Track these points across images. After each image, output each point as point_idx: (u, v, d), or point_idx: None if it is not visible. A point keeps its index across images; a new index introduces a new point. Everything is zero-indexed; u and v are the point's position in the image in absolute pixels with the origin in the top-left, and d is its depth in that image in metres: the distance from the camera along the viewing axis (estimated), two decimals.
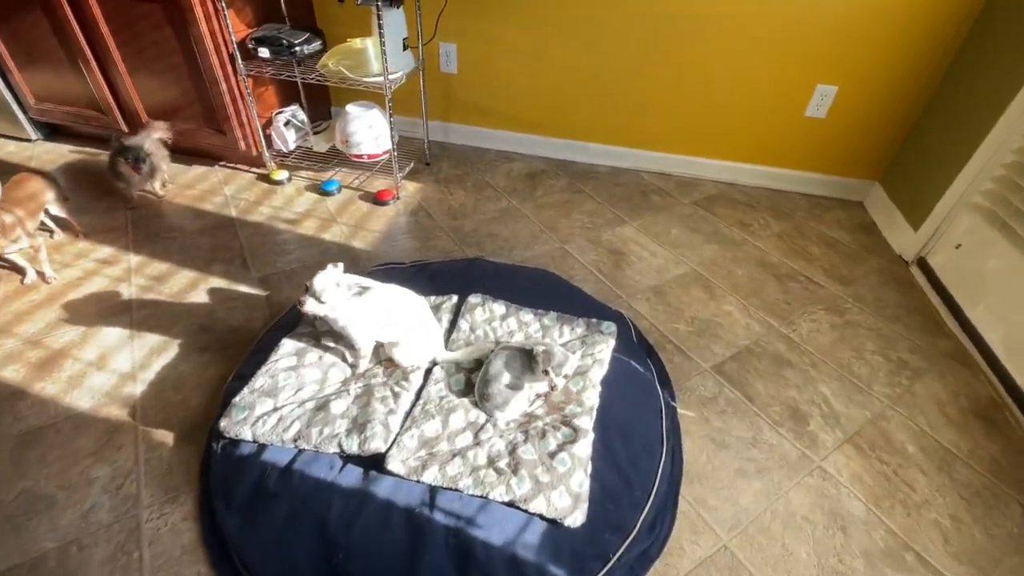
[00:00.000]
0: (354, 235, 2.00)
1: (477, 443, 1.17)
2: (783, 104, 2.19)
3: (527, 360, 1.24)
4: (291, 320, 1.50)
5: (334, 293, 1.19)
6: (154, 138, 2.00)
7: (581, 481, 1.11)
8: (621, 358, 1.41)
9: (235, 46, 1.94)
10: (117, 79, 2.11)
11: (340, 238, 1.98)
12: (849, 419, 1.43)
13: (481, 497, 1.08)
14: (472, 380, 1.31)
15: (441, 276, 1.70)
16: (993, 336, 1.60)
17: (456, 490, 1.09)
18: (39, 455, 1.24)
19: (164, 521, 1.13)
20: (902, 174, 2.16)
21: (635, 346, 1.51)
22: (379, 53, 1.87)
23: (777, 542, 1.17)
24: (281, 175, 2.23)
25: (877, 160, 2.26)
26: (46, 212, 1.77)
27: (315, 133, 2.43)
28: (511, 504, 1.07)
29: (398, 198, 2.20)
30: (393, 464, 1.11)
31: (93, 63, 2.08)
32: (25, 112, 2.35)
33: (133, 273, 1.77)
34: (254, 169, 2.32)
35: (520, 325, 1.48)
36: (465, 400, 1.27)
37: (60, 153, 2.38)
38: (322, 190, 2.19)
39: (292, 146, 2.33)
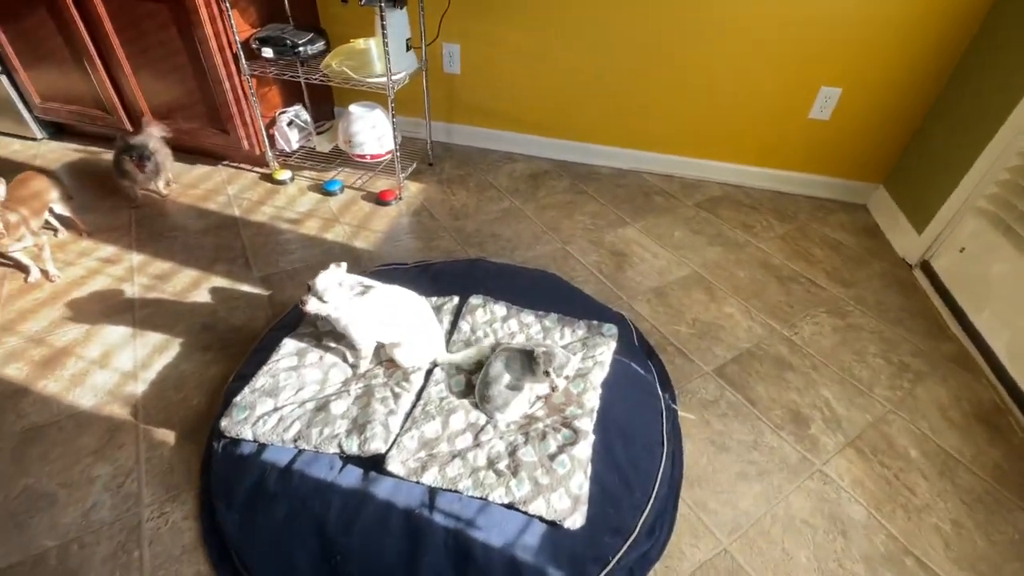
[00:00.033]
0: (356, 235, 2.00)
1: (477, 444, 1.17)
2: (787, 106, 2.18)
3: (528, 362, 1.24)
4: (293, 320, 1.50)
5: (336, 292, 1.19)
6: (158, 137, 2.00)
7: (581, 483, 1.10)
8: (622, 360, 1.41)
9: (239, 46, 1.95)
10: (122, 78, 2.12)
11: (342, 238, 1.98)
12: (850, 423, 1.43)
13: (481, 499, 1.08)
14: (473, 381, 1.31)
15: (443, 277, 1.70)
16: (997, 340, 1.59)
17: (456, 491, 1.09)
18: (41, 453, 1.24)
19: (164, 520, 1.14)
20: (906, 177, 2.15)
21: (636, 348, 1.51)
22: (382, 54, 1.88)
23: (777, 546, 1.16)
24: (284, 175, 2.24)
25: (881, 163, 2.25)
26: (50, 211, 1.78)
27: (318, 133, 2.44)
28: (510, 506, 1.07)
29: (401, 198, 2.20)
30: (393, 465, 1.11)
31: (98, 62, 2.09)
32: (30, 111, 2.36)
33: (136, 272, 1.77)
34: (257, 169, 2.33)
35: (521, 326, 1.48)
36: (465, 401, 1.27)
37: (64, 152, 2.39)
38: (325, 190, 2.19)
39: (295, 146, 2.33)
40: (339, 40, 2.11)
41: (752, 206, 2.31)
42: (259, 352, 1.40)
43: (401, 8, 1.90)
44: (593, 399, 1.28)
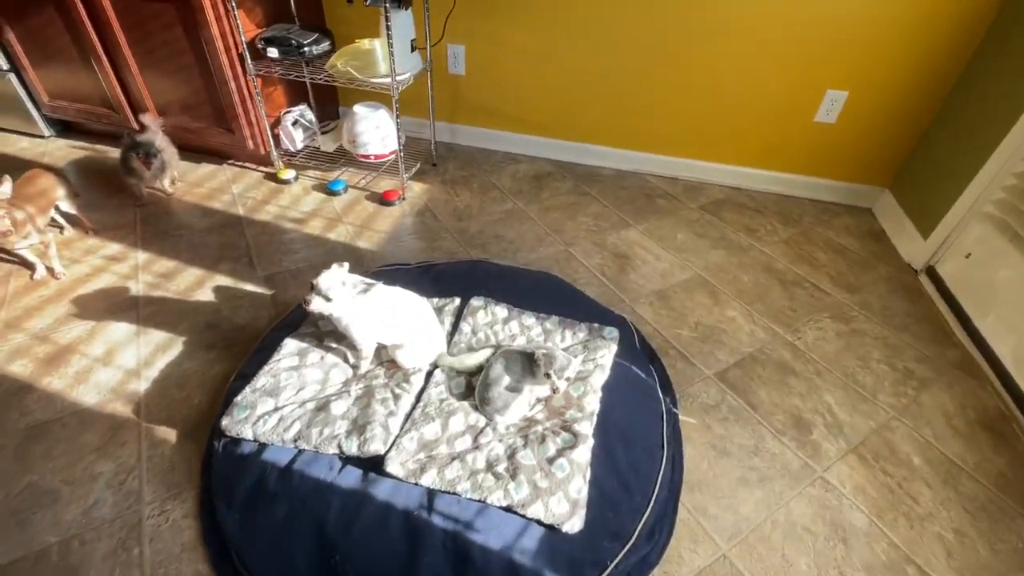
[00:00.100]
0: (360, 235, 2.01)
1: (476, 447, 1.17)
2: (792, 109, 2.17)
3: (528, 364, 1.24)
4: (295, 319, 1.51)
5: (340, 291, 1.19)
6: (163, 135, 2.02)
7: (580, 487, 1.10)
8: (623, 363, 1.41)
9: (245, 46, 1.96)
10: (128, 77, 2.14)
11: (346, 238, 1.99)
12: (853, 429, 1.42)
13: (479, 501, 1.08)
14: (473, 383, 1.31)
15: (445, 278, 1.70)
16: (1002, 347, 1.58)
17: (454, 494, 1.09)
18: (45, 450, 1.25)
19: (165, 518, 1.14)
20: (912, 181, 2.13)
21: (637, 351, 1.50)
22: (387, 54, 1.88)
23: (777, 552, 1.16)
24: (288, 174, 2.25)
25: (887, 166, 2.23)
26: (56, 208, 1.79)
27: (323, 133, 2.44)
28: (509, 509, 1.07)
29: (404, 199, 2.21)
30: (392, 466, 1.11)
31: (105, 61, 2.10)
32: (39, 109, 2.38)
33: (141, 270, 1.78)
34: (262, 168, 2.34)
35: (522, 329, 1.48)
36: (465, 403, 1.27)
37: (72, 150, 2.41)
38: (329, 190, 2.20)
39: (300, 146, 2.34)
40: (344, 40, 2.11)
41: (756, 209, 2.30)
42: (261, 352, 1.41)
43: (406, 9, 1.91)
44: (593, 402, 1.27)
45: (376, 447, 1.14)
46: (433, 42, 2.23)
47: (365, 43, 2.03)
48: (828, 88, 2.09)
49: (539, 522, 1.06)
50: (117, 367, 1.45)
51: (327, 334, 1.41)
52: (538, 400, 1.28)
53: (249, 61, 2.00)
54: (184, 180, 2.24)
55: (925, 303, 1.86)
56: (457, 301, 1.56)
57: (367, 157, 2.23)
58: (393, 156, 2.25)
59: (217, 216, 2.06)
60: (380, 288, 1.29)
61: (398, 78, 1.93)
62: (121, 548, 1.09)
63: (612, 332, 1.46)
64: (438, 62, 2.38)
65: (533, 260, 1.93)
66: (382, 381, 1.31)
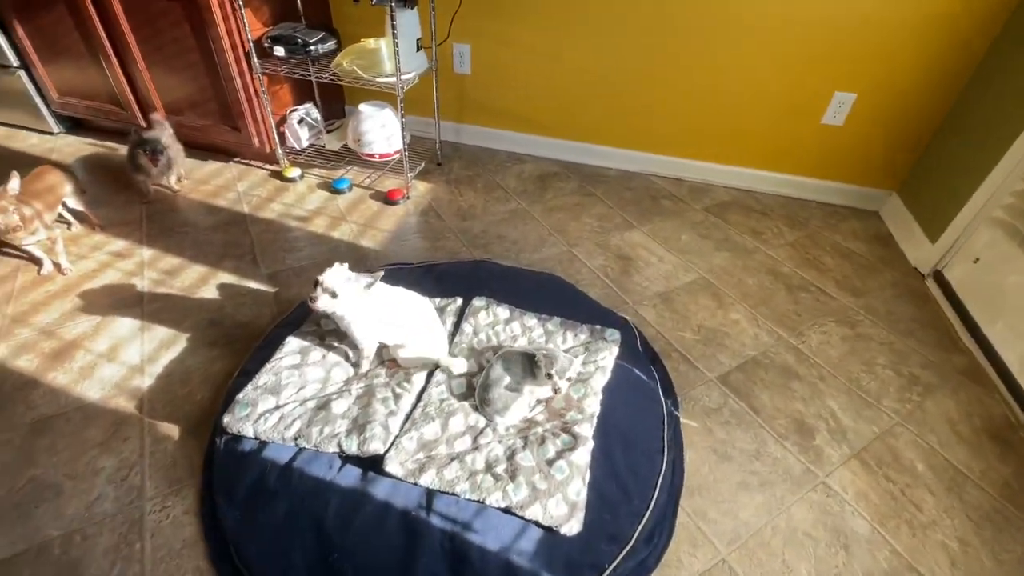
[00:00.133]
0: (363, 234, 2.01)
1: (476, 447, 1.17)
2: (800, 111, 2.15)
3: (529, 365, 1.24)
4: (297, 317, 1.51)
5: (345, 287, 1.20)
6: (170, 132, 2.03)
7: (579, 490, 1.10)
8: (624, 365, 1.40)
9: (251, 44, 1.97)
10: (136, 75, 2.15)
11: (349, 236, 1.99)
12: (857, 434, 1.41)
13: (477, 502, 1.08)
14: (473, 384, 1.31)
15: (448, 277, 1.70)
16: (1010, 354, 1.56)
17: (453, 494, 1.09)
18: (49, 444, 1.26)
19: (166, 514, 1.15)
20: (921, 185, 2.11)
21: (639, 353, 1.50)
22: (392, 53, 1.88)
23: (777, 558, 1.15)
24: (293, 172, 2.26)
25: (895, 170, 2.21)
26: (64, 205, 1.81)
27: (328, 131, 2.45)
28: (507, 510, 1.07)
29: (408, 198, 2.21)
30: (391, 466, 1.12)
31: (113, 59, 2.12)
32: (48, 105, 2.41)
33: (146, 266, 1.80)
34: (267, 166, 2.35)
35: (524, 330, 1.48)
36: (466, 404, 1.27)
37: (80, 146, 2.43)
38: (333, 188, 2.21)
39: (305, 144, 2.35)
40: (350, 39, 2.12)
41: (762, 211, 2.29)
42: (263, 349, 1.42)
43: (412, 8, 1.91)
44: (594, 404, 1.27)
45: (376, 446, 1.14)
46: (439, 41, 2.23)
47: (371, 42, 2.04)
48: (836, 90, 2.07)
49: (537, 524, 1.06)
50: (121, 363, 1.46)
51: (329, 333, 1.41)
52: (538, 401, 1.28)
53: (255, 59, 2.00)
54: (190, 177, 2.26)
55: (932, 308, 1.84)
56: (459, 301, 1.56)
57: (372, 156, 2.24)
58: (398, 155, 2.25)
59: (222, 213, 2.07)
60: (382, 286, 1.29)
61: (403, 77, 1.93)
62: (122, 543, 1.10)
63: (614, 334, 1.46)
64: (444, 61, 2.38)
65: (536, 261, 1.92)
66: (383, 380, 1.31)
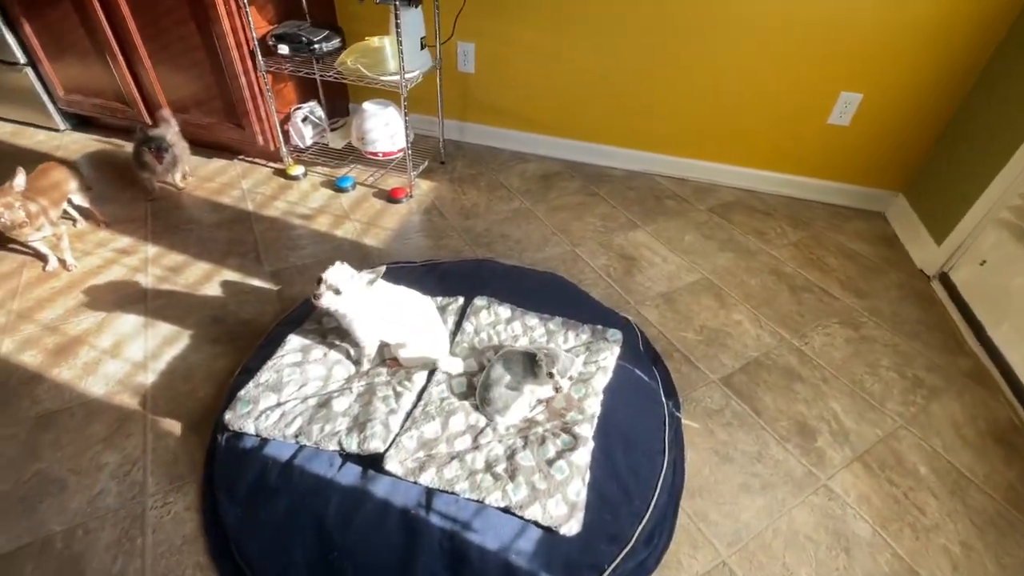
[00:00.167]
0: (366, 232, 2.01)
1: (476, 447, 1.17)
2: (805, 111, 2.14)
3: (530, 364, 1.24)
4: (300, 315, 1.52)
5: (349, 284, 1.20)
6: (175, 130, 2.04)
7: (578, 490, 1.10)
8: (626, 366, 1.40)
9: (256, 42, 1.97)
10: (142, 73, 2.16)
11: (352, 235, 2.00)
12: (859, 437, 1.40)
13: (477, 501, 1.08)
14: (474, 383, 1.31)
15: (450, 276, 1.70)
16: (1016, 357, 1.54)
17: (452, 493, 1.09)
18: (53, 439, 1.27)
19: (168, 510, 1.16)
20: (927, 186, 2.09)
21: (641, 354, 1.49)
22: (396, 52, 1.88)
23: (778, 561, 1.15)
24: (297, 170, 2.26)
25: (901, 170, 2.19)
26: (69, 201, 1.82)
27: (332, 129, 2.46)
28: (507, 510, 1.07)
29: (411, 196, 2.21)
30: (391, 464, 1.12)
31: (119, 57, 2.13)
32: (54, 103, 2.42)
33: (150, 263, 1.81)
34: (271, 164, 2.35)
35: (525, 329, 1.48)
36: (466, 403, 1.27)
37: (86, 143, 2.44)
38: (337, 186, 2.21)
39: (309, 142, 2.35)
40: (355, 38, 2.12)
41: (766, 212, 2.27)
42: (265, 347, 1.42)
43: (416, 7, 1.90)
44: (594, 405, 1.27)
45: (376, 445, 1.14)
46: (443, 40, 2.23)
47: (375, 40, 2.04)
48: (842, 90, 2.05)
49: (537, 524, 1.06)
50: (125, 359, 1.47)
51: (331, 331, 1.41)
52: (539, 401, 1.28)
53: (260, 57, 2.01)
54: (195, 175, 2.27)
55: (937, 310, 1.83)
56: (461, 300, 1.56)
57: (375, 154, 2.24)
58: (401, 154, 2.25)
59: (226, 211, 2.08)
60: (384, 284, 1.29)
61: (407, 76, 1.93)
62: (124, 538, 1.11)
63: (615, 334, 1.45)
64: (448, 60, 2.37)
65: (539, 260, 1.92)
66: (384, 379, 1.32)
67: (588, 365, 1.36)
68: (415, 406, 1.26)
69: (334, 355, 1.36)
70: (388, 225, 2.06)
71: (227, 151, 2.40)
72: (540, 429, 1.22)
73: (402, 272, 1.67)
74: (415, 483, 1.11)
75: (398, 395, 1.26)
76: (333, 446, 1.16)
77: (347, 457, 1.16)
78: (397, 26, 1.80)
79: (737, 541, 1.17)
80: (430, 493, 1.10)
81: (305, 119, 2.31)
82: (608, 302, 1.72)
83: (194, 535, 1.12)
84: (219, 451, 1.19)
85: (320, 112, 2.37)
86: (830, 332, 1.70)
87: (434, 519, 1.06)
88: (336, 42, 2.07)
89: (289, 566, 1.03)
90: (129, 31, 2.04)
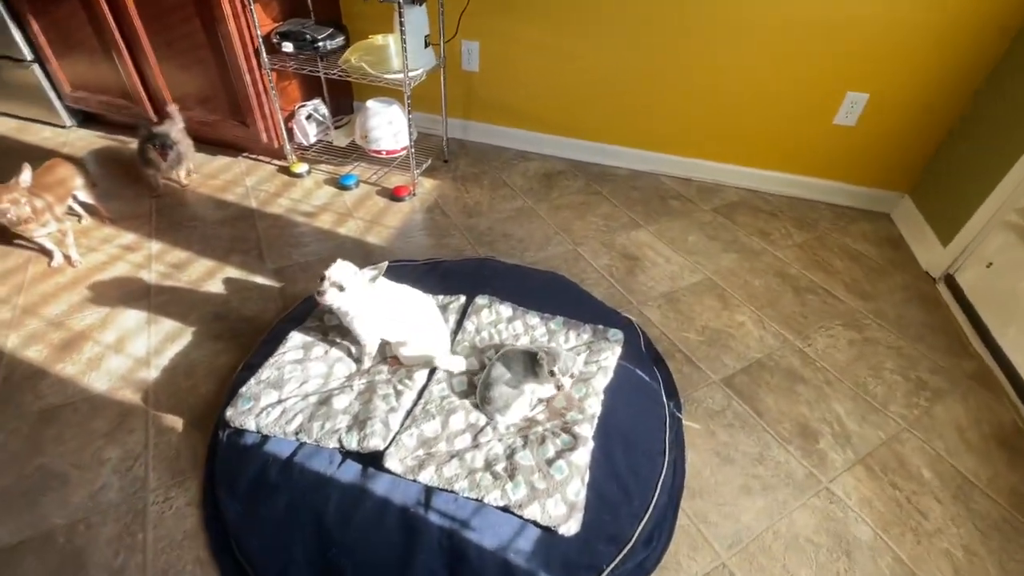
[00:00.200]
0: (369, 230, 2.02)
1: (476, 446, 1.17)
2: (811, 111, 2.13)
3: (530, 363, 1.23)
4: (302, 313, 1.52)
5: (353, 281, 1.20)
6: (179, 127, 2.04)
7: (578, 490, 1.10)
8: (627, 366, 1.39)
9: (260, 40, 1.97)
10: (147, 70, 2.17)
11: (355, 233, 2.00)
12: (862, 439, 1.39)
13: (476, 500, 1.08)
14: (475, 382, 1.31)
15: (452, 275, 1.70)
16: (1021, 359, 1.53)
17: (452, 492, 1.09)
18: (56, 433, 1.28)
19: (169, 505, 1.16)
20: (934, 187, 2.07)
21: (643, 354, 1.49)
22: (400, 50, 1.88)
23: (778, 563, 1.14)
24: (301, 168, 2.26)
25: (908, 171, 2.18)
26: (74, 198, 1.83)
27: (336, 127, 2.46)
28: (505, 509, 1.07)
29: (414, 195, 2.21)
30: (391, 462, 1.12)
31: (126, 54, 2.14)
32: (61, 99, 2.43)
33: (154, 260, 1.81)
34: (275, 161, 2.36)
35: (526, 328, 1.47)
36: (466, 402, 1.27)
37: (92, 140, 2.45)
38: (340, 184, 2.21)
39: (313, 140, 2.36)
40: (359, 36, 2.12)
41: (771, 212, 2.26)
42: (267, 344, 1.43)
43: (420, 4, 1.90)
44: (595, 405, 1.26)
45: (376, 443, 1.14)
46: (447, 38, 2.23)
47: (379, 38, 2.04)
48: (848, 90, 2.04)
49: (535, 523, 1.06)
50: (128, 355, 1.48)
51: (332, 328, 1.42)
52: (539, 400, 1.27)
53: (264, 55, 2.01)
54: (200, 172, 2.27)
55: (942, 313, 1.81)
56: (462, 299, 1.56)
57: (379, 152, 2.24)
58: (405, 152, 2.25)
59: (230, 208, 2.08)
60: (386, 282, 1.29)
61: (411, 74, 1.93)
62: (125, 533, 1.11)
63: (616, 334, 1.45)
64: (452, 58, 2.37)
65: (541, 259, 1.92)
66: (385, 377, 1.32)
67: (589, 365, 1.36)
68: (415, 404, 1.26)
69: (335, 353, 1.36)
70: (391, 223, 2.06)
71: (231, 148, 2.41)
72: (540, 428, 1.21)
73: (404, 270, 1.67)
74: (414, 481, 1.11)
75: (399, 393, 1.26)
76: (333, 443, 1.16)
77: (347, 455, 1.16)
78: (401, 24, 1.80)
79: (737, 543, 1.17)
80: (429, 491, 1.10)
81: (309, 117, 2.31)
82: (610, 302, 1.72)
83: (195, 530, 1.12)
84: (220, 447, 1.20)
85: (324, 110, 2.37)
86: (834, 334, 1.69)
87: (433, 517, 1.06)
88: (340, 40, 2.07)
89: (289, 563, 1.03)
90: (135, 28, 2.05)
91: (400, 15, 1.77)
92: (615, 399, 1.31)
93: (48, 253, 1.76)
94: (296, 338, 1.38)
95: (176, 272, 1.77)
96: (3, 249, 1.81)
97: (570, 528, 1.05)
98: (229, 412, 1.21)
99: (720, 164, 2.38)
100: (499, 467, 1.12)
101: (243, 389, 1.24)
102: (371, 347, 1.32)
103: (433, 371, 1.34)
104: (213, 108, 2.21)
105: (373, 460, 1.14)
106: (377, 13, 2.23)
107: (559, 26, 2.19)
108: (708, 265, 1.94)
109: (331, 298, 1.18)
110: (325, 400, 1.23)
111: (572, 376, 1.23)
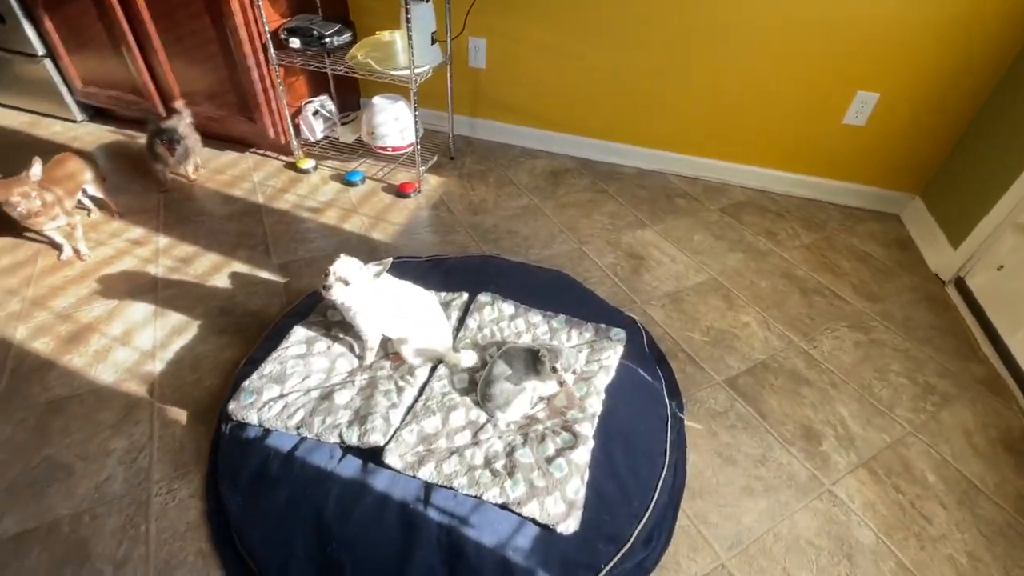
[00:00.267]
0: (374, 226, 2.02)
1: (475, 443, 1.18)
2: (821, 110, 2.10)
3: (532, 361, 1.23)
4: (305, 308, 1.53)
5: (358, 275, 1.21)
6: (187, 123, 2.06)
7: (577, 488, 1.09)
8: (629, 365, 1.39)
9: (268, 36, 1.98)
10: (157, 66, 2.19)
11: (360, 229, 2.00)
12: (866, 442, 1.38)
13: (475, 497, 1.08)
14: (476, 379, 1.31)
15: (456, 272, 1.70)
16: None
17: (451, 488, 1.09)
18: (63, 425, 1.30)
19: (172, 497, 1.17)
20: (944, 188, 2.05)
21: (645, 354, 1.48)
22: (406, 46, 1.88)
23: (778, 565, 1.13)
24: (308, 164, 2.27)
25: (918, 172, 2.15)
26: (84, 192, 1.85)
27: (343, 124, 2.47)
28: (504, 506, 1.07)
29: (420, 191, 2.21)
30: (391, 458, 1.12)
31: (135, 49, 2.15)
32: (72, 94, 2.46)
33: (161, 254, 1.83)
34: (282, 157, 2.37)
35: (528, 326, 1.47)
36: (467, 399, 1.27)
37: (102, 135, 2.48)
38: (346, 180, 2.22)
39: (319, 136, 2.36)
40: (367, 32, 2.12)
41: (778, 212, 2.24)
42: (271, 339, 1.43)
43: (427, 1, 1.90)
44: (596, 404, 1.26)
45: (376, 438, 1.15)
46: (454, 35, 2.22)
47: (385, 35, 2.04)
48: (858, 89, 2.01)
49: (534, 521, 1.06)
50: (134, 348, 1.50)
51: (335, 323, 1.42)
52: (540, 398, 1.27)
53: (272, 51, 2.02)
54: (207, 167, 2.29)
55: (951, 316, 1.79)
56: (465, 296, 1.56)
57: (385, 149, 2.24)
58: (411, 149, 2.25)
59: (237, 204, 2.10)
60: (389, 278, 1.30)
61: (417, 71, 1.93)
62: (129, 524, 1.13)
63: (619, 333, 1.45)
64: (459, 55, 2.37)
65: (545, 257, 1.91)
66: (387, 373, 1.32)
67: (590, 364, 1.36)
68: (416, 400, 1.26)
69: (338, 348, 1.37)
70: (396, 220, 2.06)
71: (239, 144, 2.42)
72: (540, 427, 1.21)
73: (408, 267, 1.68)
74: (414, 477, 1.11)
75: (400, 389, 1.27)
76: (334, 438, 1.17)
77: (347, 450, 1.17)
78: (408, 20, 1.79)
79: (737, 544, 1.16)
80: (429, 488, 1.10)
81: (316, 113, 2.32)
82: (614, 301, 1.71)
83: (197, 522, 1.13)
84: (223, 440, 1.21)
85: (331, 106, 2.38)
86: (840, 336, 1.68)
87: (432, 513, 1.06)
88: (347, 36, 2.08)
89: (289, 557, 1.04)
90: (145, 24, 2.06)
91: (407, 11, 1.77)
92: (616, 398, 1.30)
93: (57, 246, 1.78)
94: (299, 333, 1.38)
95: (183, 266, 1.78)
96: (13, 242, 1.83)
97: (569, 526, 1.05)
98: (231, 406, 1.22)
99: (728, 163, 2.36)
100: (498, 464, 1.12)
101: (246, 383, 1.25)
102: (373, 342, 1.32)
103: (435, 368, 1.34)
104: (221, 103, 2.22)
105: (373, 455, 1.15)
106: (384, 9, 2.24)
107: (567, 24, 2.18)
108: (713, 265, 1.93)
109: (336, 292, 1.19)
110: (327, 395, 1.24)
111: (575, 372, 1.23)
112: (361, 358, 1.36)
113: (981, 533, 1.21)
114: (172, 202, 2.08)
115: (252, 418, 1.19)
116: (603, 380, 1.31)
